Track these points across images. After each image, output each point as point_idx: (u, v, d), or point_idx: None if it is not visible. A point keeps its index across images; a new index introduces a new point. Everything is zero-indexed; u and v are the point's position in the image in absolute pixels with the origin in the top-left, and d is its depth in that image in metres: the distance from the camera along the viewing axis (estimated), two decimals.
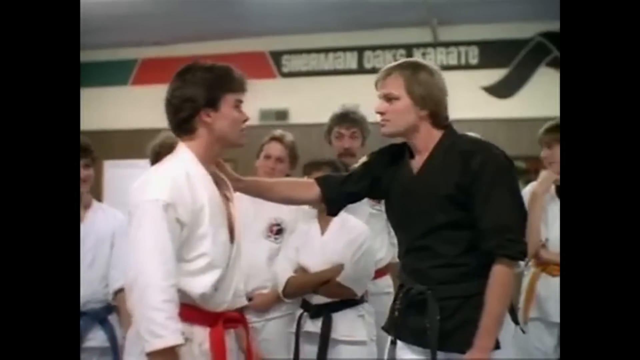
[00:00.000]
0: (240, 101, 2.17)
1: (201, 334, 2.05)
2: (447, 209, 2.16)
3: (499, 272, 2.10)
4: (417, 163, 2.29)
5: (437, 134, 2.27)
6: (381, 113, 2.28)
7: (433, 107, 2.24)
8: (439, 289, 2.17)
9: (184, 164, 2.10)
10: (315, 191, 2.46)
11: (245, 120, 2.18)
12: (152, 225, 1.96)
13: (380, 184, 2.40)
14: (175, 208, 1.98)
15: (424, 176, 2.25)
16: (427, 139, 2.27)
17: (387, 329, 2.38)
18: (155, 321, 1.89)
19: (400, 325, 2.27)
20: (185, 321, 1.99)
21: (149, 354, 1.91)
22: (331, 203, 2.49)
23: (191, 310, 2.03)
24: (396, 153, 2.37)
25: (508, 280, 2.13)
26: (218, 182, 2.23)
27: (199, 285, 2.03)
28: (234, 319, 2.17)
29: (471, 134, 4.03)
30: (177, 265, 1.99)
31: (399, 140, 2.38)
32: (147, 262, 1.93)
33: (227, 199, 2.24)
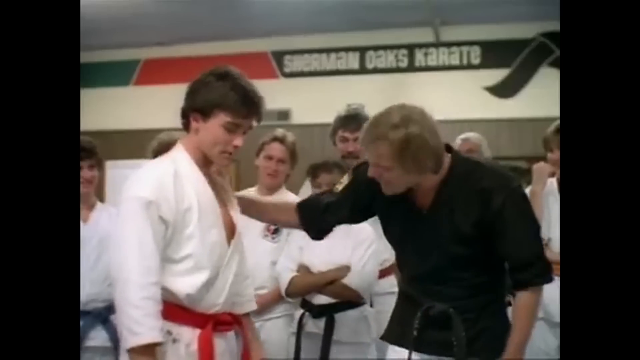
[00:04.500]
0: (236, 125, 2.07)
1: (189, 335, 2.03)
2: (465, 244, 2.14)
3: (530, 298, 2.15)
4: (422, 197, 2.20)
5: (440, 174, 2.16)
6: (376, 177, 2.14)
7: (429, 170, 2.10)
8: (457, 304, 2.17)
9: (175, 163, 2.08)
10: (297, 218, 2.40)
11: (235, 146, 2.09)
12: (133, 222, 1.96)
13: (363, 212, 2.37)
14: (159, 206, 1.97)
15: (436, 213, 2.17)
16: (431, 181, 2.16)
17: (395, 341, 2.32)
18: (132, 318, 1.89)
19: (420, 340, 2.21)
20: (173, 321, 2.00)
21: (128, 351, 1.92)
22: (311, 232, 2.44)
23: (179, 311, 2.02)
24: None
25: (539, 302, 2.20)
26: (216, 185, 2.22)
27: (185, 286, 2.02)
28: (227, 321, 2.15)
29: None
30: (163, 264, 1.98)
31: None
32: (127, 258, 1.93)
33: (224, 203, 2.20)
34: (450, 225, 2.14)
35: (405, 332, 2.24)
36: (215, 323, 2.08)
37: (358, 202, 2.33)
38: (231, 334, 2.20)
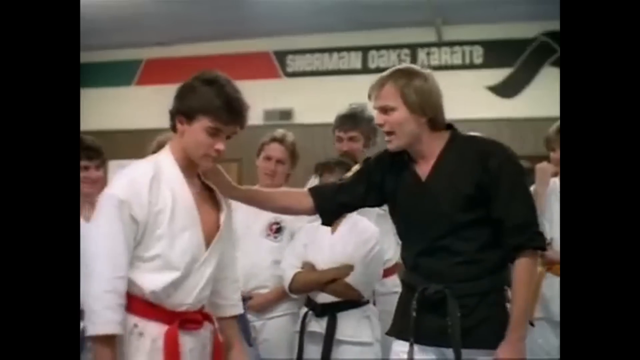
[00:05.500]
0: (218, 130, 2.11)
1: (155, 330, 2.07)
2: (467, 208, 2.19)
3: (526, 264, 2.17)
4: (423, 168, 2.28)
5: (440, 137, 2.28)
6: (381, 125, 2.29)
7: (431, 113, 2.24)
8: (457, 287, 2.18)
9: (157, 165, 2.13)
10: (308, 202, 2.44)
11: (217, 150, 2.13)
12: (105, 219, 2.05)
13: (376, 193, 2.40)
14: (130, 206, 2.03)
15: (436, 179, 2.25)
16: (431, 143, 2.27)
17: (397, 333, 2.33)
18: (93, 309, 1.99)
19: (417, 327, 2.22)
20: (141, 315, 2.06)
21: (91, 339, 2.01)
22: (324, 214, 2.47)
23: (146, 306, 2.07)
24: (393, 159, 2.36)
25: (535, 270, 2.25)
26: (204, 188, 2.24)
27: (151, 283, 2.06)
28: (197, 320, 2.17)
29: (475, 133, 4.07)
30: (133, 261, 2.05)
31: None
32: (97, 253, 2.02)
33: (209, 205, 2.23)
34: (449, 190, 2.21)
35: (405, 322, 2.26)
36: (183, 321, 2.12)
37: (372, 180, 2.39)
38: (205, 332, 2.21)
